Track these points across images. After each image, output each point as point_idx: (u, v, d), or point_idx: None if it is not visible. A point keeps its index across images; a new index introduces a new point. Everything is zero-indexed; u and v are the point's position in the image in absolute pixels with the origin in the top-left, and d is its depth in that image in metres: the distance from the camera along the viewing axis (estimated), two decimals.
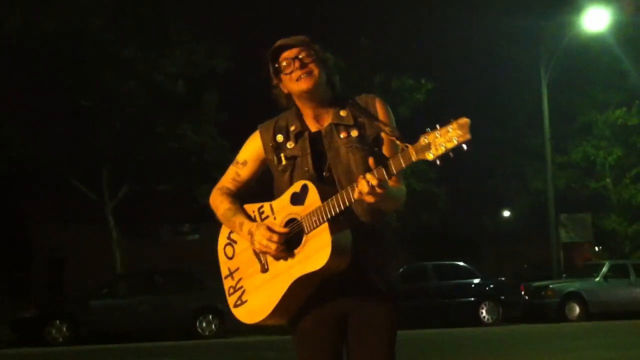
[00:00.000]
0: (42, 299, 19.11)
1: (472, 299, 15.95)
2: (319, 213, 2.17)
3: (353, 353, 2.31)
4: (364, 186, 2.05)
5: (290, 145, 2.35)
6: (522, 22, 22.15)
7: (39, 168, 18.15)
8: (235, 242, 2.40)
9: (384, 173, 2.05)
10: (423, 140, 2.00)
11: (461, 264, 17.08)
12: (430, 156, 1.98)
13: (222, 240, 2.45)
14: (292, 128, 2.36)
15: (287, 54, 2.33)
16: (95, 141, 17.63)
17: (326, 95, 2.36)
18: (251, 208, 2.39)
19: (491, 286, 16.49)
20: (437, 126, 1.99)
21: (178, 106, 17.98)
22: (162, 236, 21.84)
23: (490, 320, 15.81)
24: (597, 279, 16.70)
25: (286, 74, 2.33)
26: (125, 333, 13.13)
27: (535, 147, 23.75)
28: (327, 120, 2.35)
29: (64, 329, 13.17)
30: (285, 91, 2.38)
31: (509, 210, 30.98)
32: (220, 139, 18.68)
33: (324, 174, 2.29)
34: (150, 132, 17.74)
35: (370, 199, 2.07)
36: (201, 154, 18.35)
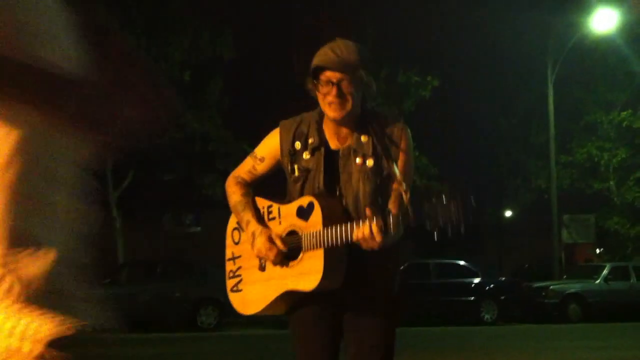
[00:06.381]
0: None
1: (473, 297, 15.95)
2: (317, 238, 2.21)
3: (348, 351, 2.34)
4: (364, 231, 2.10)
5: (306, 156, 2.32)
6: (529, 20, 22.09)
7: None
8: (243, 229, 2.45)
9: (382, 226, 2.09)
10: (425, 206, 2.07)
11: (462, 262, 17.07)
12: (428, 227, 2.07)
13: (232, 223, 2.50)
14: (311, 141, 2.32)
15: (330, 74, 2.22)
16: None
17: (353, 117, 2.28)
18: (261, 204, 2.41)
19: (491, 285, 16.49)
20: (443, 196, 2.03)
21: (182, 94, 17.87)
22: (164, 227, 21.87)
23: (490, 320, 15.81)
24: (598, 280, 16.67)
25: (320, 93, 2.25)
26: (126, 322, 13.15)
27: (538, 145, 23.71)
28: (347, 140, 2.30)
29: None
30: (314, 95, 2.29)
31: (511, 207, 30.90)
32: (223, 129, 18.61)
33: (337, 192, 2.29)
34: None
35: (366, 245, 2.12)
36: (204, 143, 18.28)
